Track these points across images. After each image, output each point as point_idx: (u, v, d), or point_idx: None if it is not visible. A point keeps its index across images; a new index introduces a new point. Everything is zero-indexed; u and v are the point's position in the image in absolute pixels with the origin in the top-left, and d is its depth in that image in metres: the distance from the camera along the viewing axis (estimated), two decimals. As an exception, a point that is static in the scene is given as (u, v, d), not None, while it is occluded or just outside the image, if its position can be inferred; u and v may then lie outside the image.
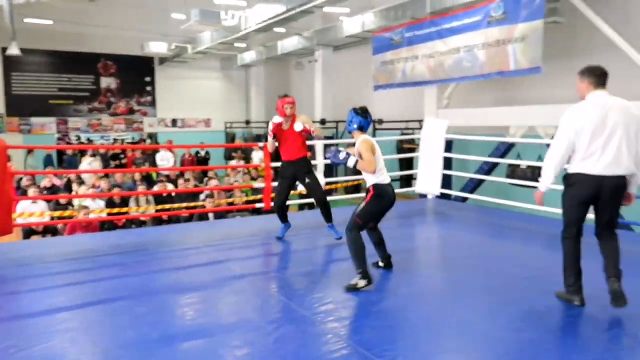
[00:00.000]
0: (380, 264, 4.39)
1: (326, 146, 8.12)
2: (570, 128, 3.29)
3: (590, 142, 3.23)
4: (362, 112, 4.11)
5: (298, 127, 5.09)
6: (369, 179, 4.03)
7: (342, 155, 3.94)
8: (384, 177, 3.99)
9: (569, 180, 3.38)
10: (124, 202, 8.78)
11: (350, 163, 3.93)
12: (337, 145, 4.45)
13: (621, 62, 8.33)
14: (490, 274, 4.27)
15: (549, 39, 8.60)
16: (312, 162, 7.98)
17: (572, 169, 3.35)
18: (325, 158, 4.16)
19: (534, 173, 8.76)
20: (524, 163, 8.45)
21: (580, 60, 9.80)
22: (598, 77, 3.33)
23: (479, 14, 9.18)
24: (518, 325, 3.18)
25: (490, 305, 3.53)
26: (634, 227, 6.77)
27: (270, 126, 5.12)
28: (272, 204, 5.56)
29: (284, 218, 5.49)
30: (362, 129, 4.09)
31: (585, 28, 9.00)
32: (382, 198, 3.96)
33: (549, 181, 3.42)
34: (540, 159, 8.91)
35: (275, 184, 5.81)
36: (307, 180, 5.22)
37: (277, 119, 5.13)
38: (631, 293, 3.31)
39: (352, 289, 3.78)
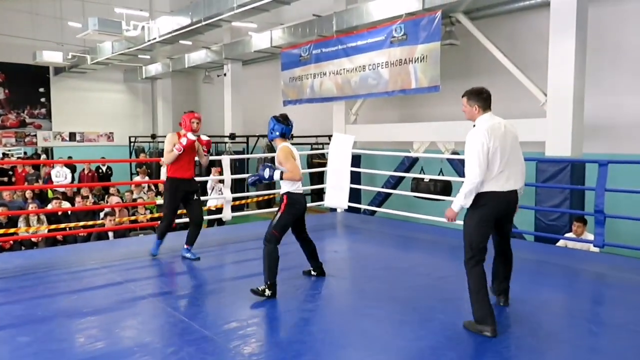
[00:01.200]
0: (313, 272, 4.55)
1: (233, 161, 8.00)
2: (484, 149, 3.29)
3: (500, 160, 3.33)
4: (284, 120, 4.15)
5: (204, 137, 5.09)
6: (284, 187, 4.08)
7: (267, 173, 3.97)
8: (298, 185, 4.07)
9: (479, 201, 3.36)
10: (12, 222, 8.06)
11: (277, 177, 3.97)
12: (263, 160, 4.57)
13: (509, 82, 9.04)
14: (394, 284, 4.39)
15: (446, 60, 9.14)
16: (221, 177, 7.86)
17: (483, 188, 3.35)
18: (249, 181, 4.19)
19: (437, 186, 9.20)
20: (427, 177, 8.86)
21: (475, 80, 10.49)
22: (485, 100, 3.45)
23: (382, 34, 9.57)
24: (419, 333, 3.28)
25: (394, 315, 3.61)
26: (526, 236, 7.29)
27: (184, 141, 5.08)
28: (160, 223, 5.38)
29: (163, 235, 5.36)
30: (284, 136, 4.12)
31: (479, 51, 9.68)
32: (294, 206, 4.06)
33: (466, 202, 3.36)
34: (441, 172, 9.39)
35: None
36: (195, 197, 5.23)
37: (192, 136, 5.12)
38: (526, 298, 3.53)
39: (257, 292, 3.90)
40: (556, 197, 7.64)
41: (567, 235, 6.58)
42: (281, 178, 3.98)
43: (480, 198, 3.36)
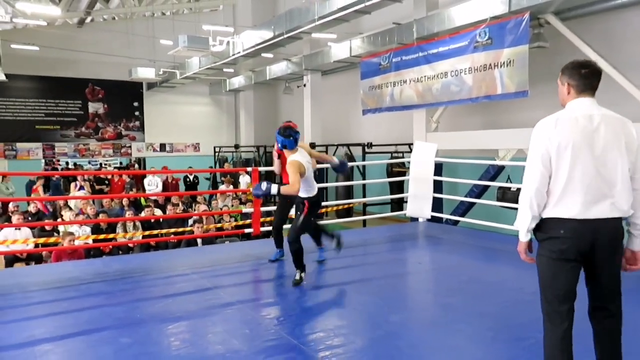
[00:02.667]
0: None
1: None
2: (541, 149, 2.46)
3: (572, 170, 2.39)
4: (284, 131, 4.46)
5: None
6: (302, 193, 4.58)
7: (264, 187, 4.21)
8: (314, 190, 4.64)
9: (542, 231, 2.49)
10: (111, 228, 8.64)
11: (274, 191, 4.19)
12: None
13: (606, 85, 8.44)
14: (482, 298, 4.21)
15: (534, 64, 8.73)
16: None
17: (546, 212, 2.47)
18: (253, 194, 4.50)
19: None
20: (514, 186, 8.48)
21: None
22: (583, 78, 2.49)
23: (465, 39, 9.32)
24: (514, 352, 3.12)
25: (485, 332, 3.46)
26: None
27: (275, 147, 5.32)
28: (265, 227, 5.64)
29: (278, 243, 5.52)
30: (285, 147, 4.48)
31: (570, 52, 9.14)
32: (314, 208, 4.68)
33: (526, 226, 2.52)
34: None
35: (262, 208, 5.78)
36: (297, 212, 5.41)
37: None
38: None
39: (297, 282, 4.53)
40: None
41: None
42: (279, 192, 4.18)
43: (543, 228, 2.49)
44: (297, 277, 4.61)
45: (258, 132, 20.91)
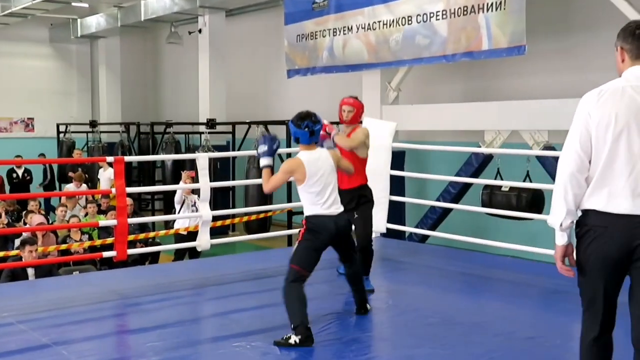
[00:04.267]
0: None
1: (213, 161, 7.96)
2: (580, 126, 2.88)
3: (613, 152, 2.81)
4: (296, 120, 4.73)
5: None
6: (304, 209, 4.74)
7: (260, 149, 4.71)
8: (323, 206, 4.65)
9: (581, 226, 2.90)
10: None
11: (262, 163, 4.72)
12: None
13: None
14: (459, 348, 4.36)
15: (535, 9, 9.07)
16: (195, 185, 7.89)
17: (584, 204, 2.89)
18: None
19: (521, 198, 9.13)
20: (506, 184, 8.77)
21: (579, 38, 10.39)
22: (638, 40, 2.92)
23: (438, -33, 9.53)
24: None
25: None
26: None
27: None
28: None
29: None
30: (297, 141, 4.77)
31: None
32: (316, 235, 4.63)
33: (560, 222, 2.89)
34: (528, 177, 9.32)
35: (133, 220, 5.69)
36: (355, 214, 5.68)
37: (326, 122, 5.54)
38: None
39: (282, 343, 4.33)
40: None
41: None
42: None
43: (582, 221, 2.91)
44: (285, 335, 4.37)
45: (128, 102, 20.45)
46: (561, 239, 2.94)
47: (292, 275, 4.53)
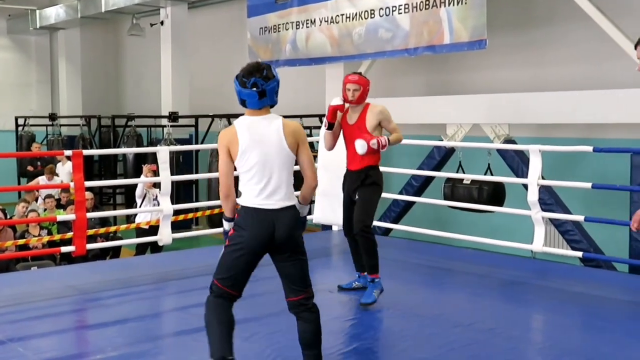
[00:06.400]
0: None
1: (175, 155, 7.91)
2: None
3: None
4: (242, 75, 3.79)
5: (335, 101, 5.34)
6: (240, 198, 3.76)
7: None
8: (259, 194, 3.62)
9: None
10: None
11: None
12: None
13: (591, 36, 9.04)
14: (420, 340, 4.41)
15: (495, 3, 9.15)
16: (156, 179, 7.83)
17: None
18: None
19: (482, 191, 9.21)
20: (468, 177, 8.84)
21: (540, 32, 10.49)
22: None
23: (400, -39, 9.57)
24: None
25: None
26: (617, 265, 7.33)
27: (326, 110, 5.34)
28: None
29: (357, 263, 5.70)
30: (243, 104, 3.76)
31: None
32: (244, 232, 3.59)
33: None
34: (489, 170, 9.42)
35: (93, 214, 5.62)
36: (357, 196, 5.53)
37: (337, 100, 5.41)
38: None
39: None
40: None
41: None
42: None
43: None
44: None
45: (88, 95, 20.26)
46: None
47: (213, 290, 3.70)
